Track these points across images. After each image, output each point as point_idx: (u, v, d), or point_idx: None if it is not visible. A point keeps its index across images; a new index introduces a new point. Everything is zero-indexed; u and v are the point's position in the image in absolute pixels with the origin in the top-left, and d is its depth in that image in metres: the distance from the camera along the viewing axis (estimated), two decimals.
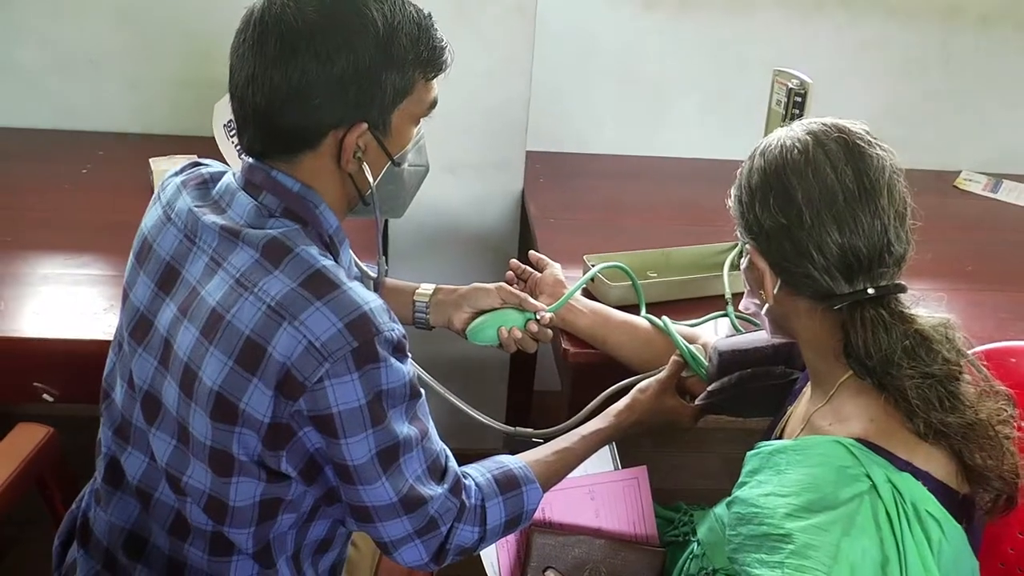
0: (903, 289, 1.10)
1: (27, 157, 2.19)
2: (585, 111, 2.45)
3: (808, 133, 1.11)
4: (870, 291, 1.08)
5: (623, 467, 1.47)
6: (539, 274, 1.65)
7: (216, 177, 1.22)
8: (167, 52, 2.26)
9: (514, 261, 1.70)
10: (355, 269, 1.29)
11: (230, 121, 1.98)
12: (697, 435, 2.68)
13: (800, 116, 1.65)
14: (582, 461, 1.37)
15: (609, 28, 2.36)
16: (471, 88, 2.09)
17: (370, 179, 1.17)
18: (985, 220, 2.28)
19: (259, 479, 1.12)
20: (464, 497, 1.19)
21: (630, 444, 1.47)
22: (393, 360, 1.08)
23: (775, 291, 1.13)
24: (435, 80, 1.19)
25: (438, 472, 1.17)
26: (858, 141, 1.09)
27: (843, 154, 1.08)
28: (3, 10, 2.23)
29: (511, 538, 1.38)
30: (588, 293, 1.72)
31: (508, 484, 1.25)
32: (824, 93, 1.68)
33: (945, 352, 1.07)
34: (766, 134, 1.71)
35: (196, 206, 1.17)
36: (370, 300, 1.08)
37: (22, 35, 2.25)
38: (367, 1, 1.10)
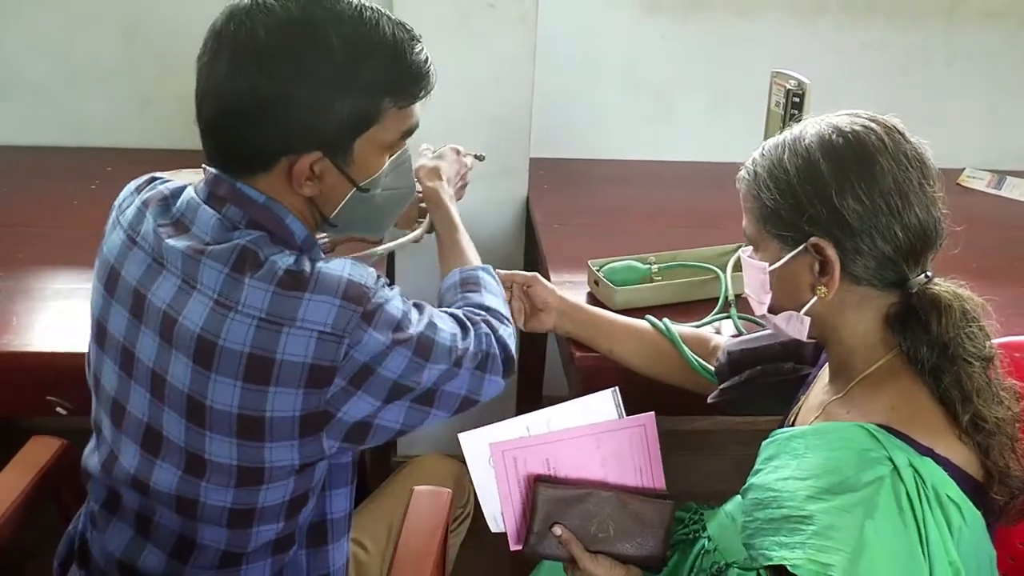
0: (941, 276, 1.12)
1: (37, 174, 2.21)
2: (588, 116, 2.46)
3: (870, 120, 1.10)
4: (929, 274, 1.10)
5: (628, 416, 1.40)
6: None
7: (176, 193, 1.19)
8: (174, 68, 2.27)
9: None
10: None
11: None
12: (708, 437, 2.69)
13: (799, 117, 1.65)
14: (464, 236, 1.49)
15: (611, 33, 2.38)
16: (475, 96, 2.10)
17: (334, 204, 1.17)
18: (989, 216, 2.28)
19: (290, 477, 1.13)
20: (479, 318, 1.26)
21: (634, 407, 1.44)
22: (387, 295, 1.12)
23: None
24: (415, 106, 1.16)
25: (463, 326, 1.22)
26: (904, 131, 1.11)
27: (904, 139, 1.09)
28: (12, 27, 2.25)
29: (516, 495, 1.33)
30: (593, 298, 1.73)
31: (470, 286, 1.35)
32: (828, 92, 1.68)
33: (986, 333, 1.09)
34: (766, 135, 1.72)
35: (159, 226, 1.14)
36: (344, 268, 1.09)
37: (30, 52, 2.27)
38: (326, 25, 1.07)
